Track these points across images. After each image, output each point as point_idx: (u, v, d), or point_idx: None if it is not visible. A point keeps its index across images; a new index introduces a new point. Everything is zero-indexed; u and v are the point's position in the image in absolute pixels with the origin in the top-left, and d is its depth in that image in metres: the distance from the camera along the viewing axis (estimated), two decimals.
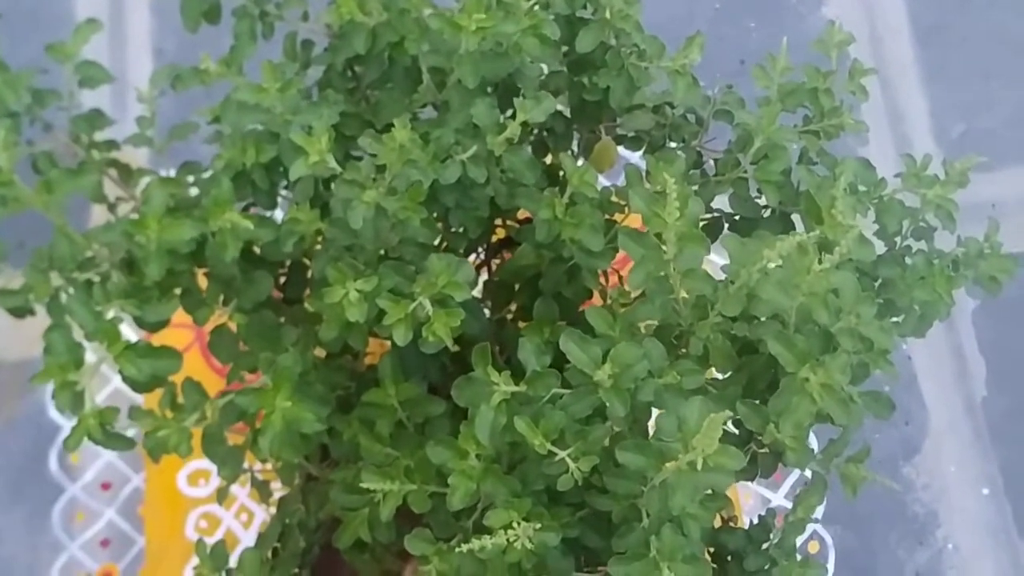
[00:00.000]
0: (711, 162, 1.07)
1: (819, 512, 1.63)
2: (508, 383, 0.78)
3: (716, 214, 1.08)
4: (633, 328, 0.81)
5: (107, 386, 1.60)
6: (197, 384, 0.89)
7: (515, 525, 0.76)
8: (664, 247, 0.77)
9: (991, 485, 1.66)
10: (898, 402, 1.68)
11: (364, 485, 0.85)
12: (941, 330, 1.74)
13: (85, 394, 0.74)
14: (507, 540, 0.76)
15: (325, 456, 1.13)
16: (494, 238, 1.15)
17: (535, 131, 1.02)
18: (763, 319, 0.86)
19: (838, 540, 1.62)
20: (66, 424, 1.61)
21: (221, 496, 1.15)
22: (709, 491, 0.83)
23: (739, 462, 0.71)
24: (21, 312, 0.92)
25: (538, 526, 0.76)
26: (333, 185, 0.79)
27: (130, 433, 1.59)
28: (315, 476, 1.16)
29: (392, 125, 0.80)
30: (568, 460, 0.78)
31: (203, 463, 1.50)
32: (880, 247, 1.02)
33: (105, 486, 1.58)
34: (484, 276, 1.13)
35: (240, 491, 1.49)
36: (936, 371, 1.72)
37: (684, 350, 0.84)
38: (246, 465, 1.14)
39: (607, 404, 0.76)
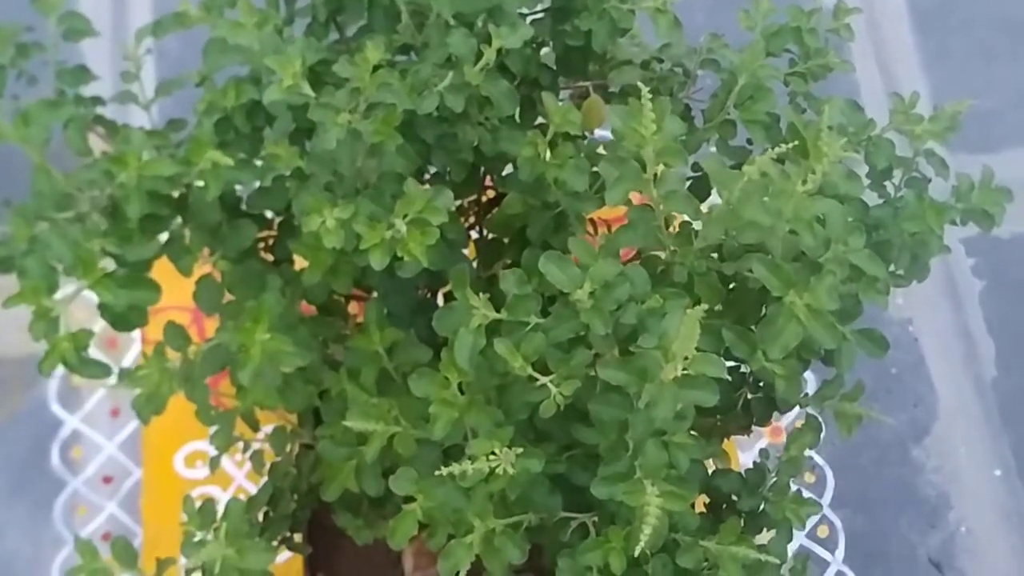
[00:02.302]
0: (699, 115, 1.06)
1: (828, 496, 1.62)
2: (488, 309, 0.77)
3: (703, 172, 1.07)
4: (615, 256, 0.80)
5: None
6: (180, 327, 0.88)
7: (497, 451, 0.74)
8: (643, 168, 0.76)
9: (1003, 466, 1.63)
10: (906, 384, 1.68)
11: (348, 424, 0.84)
12: (948, 311, 1.72)
13: (60, 321, 0.73)
14: (489, 466, 0.75)
15: (318, 424, 1.12)
16: (484, 199, 1.15)
17: (520, 83, 1.02)
18: (749, 251, 0.85)
19: (848, 524, 1.59)
20: (68, 418, 1.61)
21: (214, 465, 1.14)
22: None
23: (721, 370, 0.70)
24: (6, 265, 0.91)
25: (520, 451, 0.74)
26: (310, 113, 0.79)
27: (131, 427, 1.59)
28: (308, 445, 1.15)
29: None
30: (550, 385, 0.76)
31: (200, 444, 1.49)
32: (874, 199, 1.02)
33: (107, 480, 1.57)
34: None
35: (237, 472, 1.48)
36: (944, 352, 1.69)
37: (669, 281, 0.83)
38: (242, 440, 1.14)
39: (588, 326, 0.75)
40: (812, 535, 1.58)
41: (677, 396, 0.71)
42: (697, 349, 0.69)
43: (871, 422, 1.67)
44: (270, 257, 1.04)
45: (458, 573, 0.79)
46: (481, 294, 0.81)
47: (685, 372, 0.69)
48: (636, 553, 0.70)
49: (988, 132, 1.78)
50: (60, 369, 1.70)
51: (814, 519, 1.58)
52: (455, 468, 0.74)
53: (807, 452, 1.53)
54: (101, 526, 1.54)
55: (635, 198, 0.89)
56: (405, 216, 0.76)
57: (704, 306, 0.67)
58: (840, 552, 1.58)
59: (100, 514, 1.55)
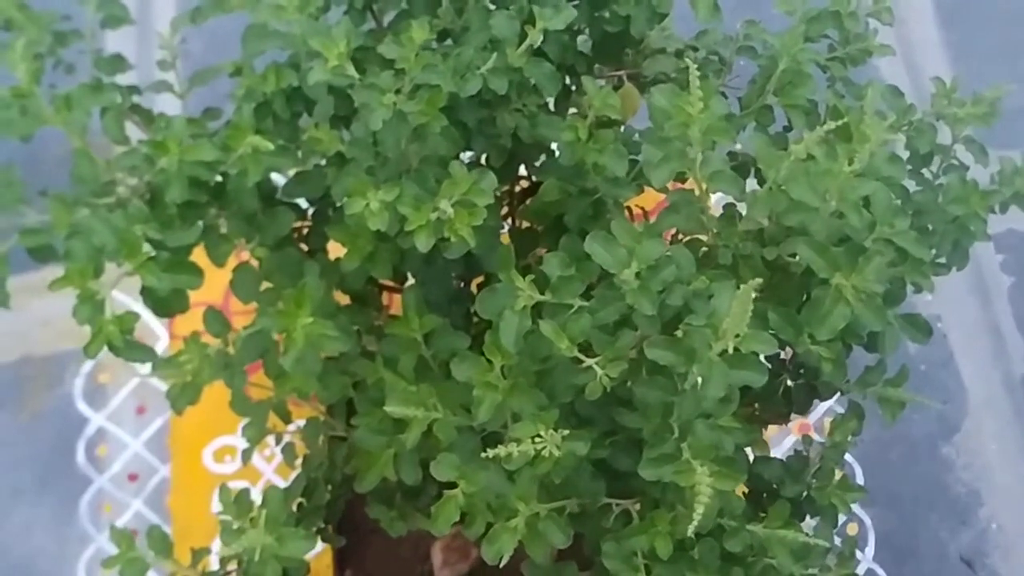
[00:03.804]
0: (735, 102, 1.06)
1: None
2: (533, 291, 0.77)
3: (743, 158, 1.06)
4: (659, 237, 0.79)
5: (134, 377, 1.61)
6: (219, 313, 0.88)
7: (542, 434, 0.74)
8: (688, 147, 0.75)
9: None
10: (935, 381, 1.67)
11: (388, 410, 0.83)
12: (977, 308, 1.71)
13: (106, 304, 0.73)
14: (535, 448, 0.74)
15: (350, 415, 1.12)
16: (518, 188, 1.14)
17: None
18: (791, 235, 0.84)
19: (878, 522, 1.58)
20: (93, 416, 1.61)
21: (246, 457, 1.13)
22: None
23: (771, 346, 0.69)
24: (44, 254, 0.91)
25: (566, 433, 0.74)
26: (352, 93, 0.78)
27: (157, 424, 1.59)
28: (340, 437, 1.14)
29: None
30: (596, 367, 0.76)
31: (229, 439, 1.49)
32: (912, 187, 1.01)
33: (132, 477, 1.57)
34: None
35: (266, 467, 1.47)
36: (973, 349, 1.68)
37: (714, 264, 0.83)
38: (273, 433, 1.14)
39: (634, 306, 0.74)
40: (842, 532, 1.57)
41: (727, 375, 0.70)
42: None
43: (900, 420, 1.65)
44: (305, 247, 1.04)
45: (502, 558, 0.78)
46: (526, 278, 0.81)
47: (736, 350, 0.69)
48: (689, 533, 0.69)
49: (1015, 128, 1.76)
50: (85, 367, 1.70)
51: (844, 517, 1.56)
52: (501, 451, 0.73)
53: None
54: (127, 524, 1.54)
55: (669, 185, 0.88)
56: (451, 197, 0.76)
57: (757, 281, 0.66)
58: (870, 550, 1.56)
59: (126, 512, 1.54)
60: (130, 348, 0.74)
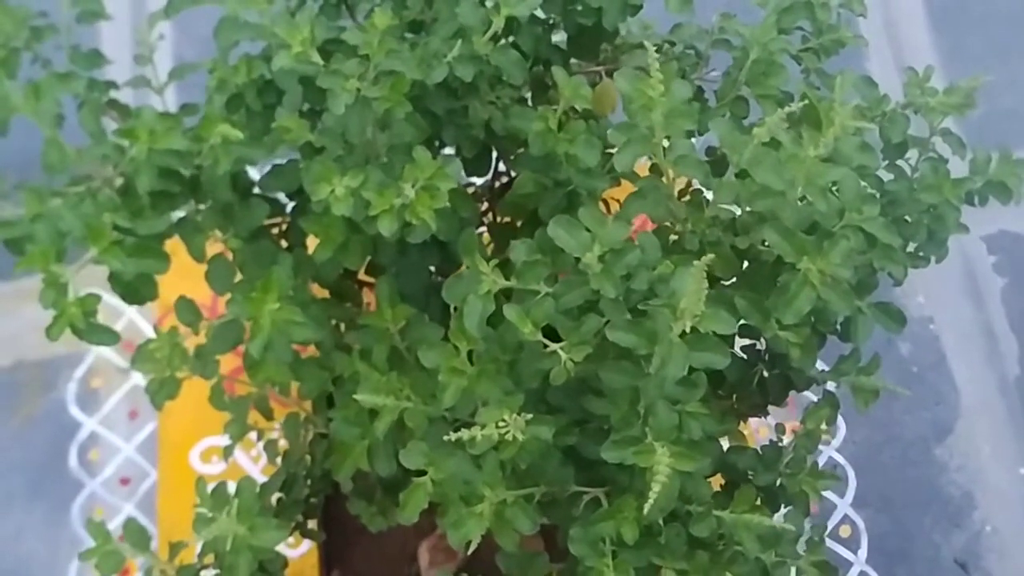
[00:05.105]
0: (713, 97, 1.06)
1: (849, 496, 1.59)
2: (498, 276, 0.77)
3: (721, 152, 1.06)
4: (626, 223, 0.79)
5: (127, 382, 1.61)
6: (191, 302, 0.88)
7: (506, 418, 0.74)
8: (652, 132, 0.75)
9: None
10: (928, 382, 1.66)
11: (358, 398, 0.83)
12: (970, 309, 1.70)
13: (69, 287, 0.73)
14: (499, 433, 0.74)
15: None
16: (497, 184, 1.14)
17: (532, 66, 1.02)
18: (763, 220, 0.84)
19: (870, 524, 1.56)
20: (86, 421, 1.61)
21: (228, 453, 1.13)
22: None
23: (731, 327, 0.69)
24: (18, 246, 0.92)
25: (529, 417, 0.74)
26: (319, 80, 0.79)
27: (149, 429, 1.59)
28: (322, 433, 1.14)
29: None
30: (560, 352, 0.76)
31: (215, 439, 1.49)
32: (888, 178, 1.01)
33: (124, 481, 1.57)
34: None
35: (252, 467, 1.47)
36: (966, 350, 1.67)
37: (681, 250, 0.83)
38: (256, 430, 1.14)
39: (598, 292, 0.74)
40: (834, 535, 1.56)
41: (687, 356, 0.70)
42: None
43: (892, 422, 1.65)
44: (284, 243, 1.04)
45: (469, 544, 0.78)
46: (491, 263, 0.81)
47: (695, 330, 0.69)
48: (646, 512, 0.69)
49: (1006, 130, 1.77)
50: (79, 372, 1.71)
51: (836, 519, 1.55)
52: (464, 434, 0.73)
53: (831, 454, 1.51)
54: (118, 528, 1.53)
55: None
56: (414, 183, 0.76)
57: (710, 256, 0.66)
58: (863, 552, 1.55)
59: (117, 516, 1.54)
60: (91, 330, 0.74)
